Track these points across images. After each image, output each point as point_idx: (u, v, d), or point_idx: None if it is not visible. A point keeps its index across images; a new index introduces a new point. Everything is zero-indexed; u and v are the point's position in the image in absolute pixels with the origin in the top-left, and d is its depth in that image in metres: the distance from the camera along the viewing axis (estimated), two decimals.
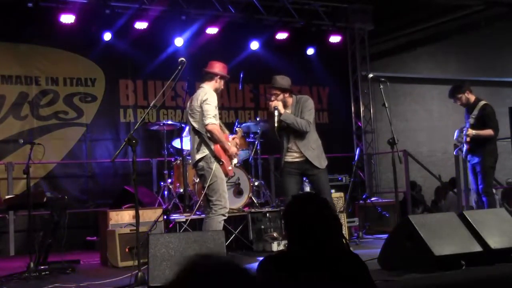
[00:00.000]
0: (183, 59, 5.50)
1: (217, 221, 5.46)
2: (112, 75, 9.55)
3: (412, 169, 10.45)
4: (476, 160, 7.02)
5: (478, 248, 4.80)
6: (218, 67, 5.84)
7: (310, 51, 10.82)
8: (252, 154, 7.81)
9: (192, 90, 9.65)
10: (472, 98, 7.14)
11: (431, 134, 13.65)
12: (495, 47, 13.92)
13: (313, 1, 10.50)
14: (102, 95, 9.46)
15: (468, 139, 6.98)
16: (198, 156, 5.61)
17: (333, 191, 7.78)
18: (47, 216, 6.29)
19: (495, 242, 4.88)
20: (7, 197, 6.27)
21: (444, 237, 4.77)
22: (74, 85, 9.28)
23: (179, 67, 5.44)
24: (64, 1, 8.88)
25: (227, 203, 5.60)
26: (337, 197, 7.61)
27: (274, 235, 6.92)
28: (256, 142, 7.85)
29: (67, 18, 8.76)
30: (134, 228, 5.15)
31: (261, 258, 2.52)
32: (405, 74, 13.43)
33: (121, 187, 8.52)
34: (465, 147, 7.05)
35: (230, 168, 5.71)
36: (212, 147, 5.56)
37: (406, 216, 4.98)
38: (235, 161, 5.96)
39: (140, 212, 5.14)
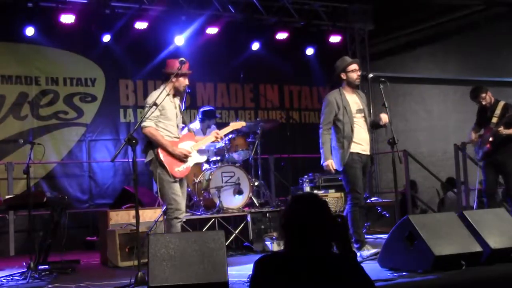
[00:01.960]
0: (183, 59, 5.52)
1: (172, 225, 5.38)
2: (112, 75, 9.55)
3: (412, 169, 10.45)
4: (498, 159, 6.98)
5: (478, 248, 4.80)
6: (170, 66, 5.67)
7: (310, 51, 10.83)
8: (252, 154, 7.81)
9: (192, 90, 9.73)
10: (492, 97, 7.18)
11: (431, 134, 13.64)
12: (495, 47, 13.90)
13: (313, 1, 10.50)
14: (102, 95, 9.46)
15: (491, 139, 6.96)
16: (146, 160, 5.55)
17: (333, 191, 7.80)
18: (47, 216, 6.29)
19: (495, 242, 4.88)
20: (7, 197, 6.26)
21: (444, 237, 4.77)
22: (74, 85, 9.29)
23: (179, 67, 5.46)
24: (64, 1, 8.89)
25: (180, 205, 5.45)
26: (337, 197, 7.62)
27: (274, 235, 6.92)
28: (256, 142, 7.84)
29: (67, 18, 8.77)
30: (134, 228, 5.16)
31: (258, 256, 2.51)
32: (405, 74, 13.43)
33: (121, 187, 8.53)
34: (484, 148, 7.04)
35: (178, 169, 5.52)
36: (155, 150, 5.45)
37: (406, 216, 4.97)
38: (196, 159, 5.75)
39: (140, 212, 5.14)
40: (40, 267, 5.79)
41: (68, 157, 9.13)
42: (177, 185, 5.51)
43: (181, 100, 5.93)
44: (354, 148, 5.85)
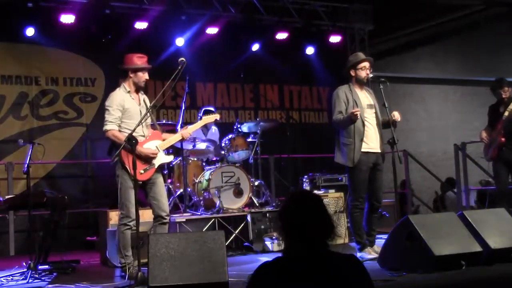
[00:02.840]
0: (183, 59, 5.44)
1: (119, 231, 5.24)
2: (112, 75, 9.52)
3: (412, 169, 10.45)
4: (510, 157, 6.91)
5: (478, 248, 4.80)
6: (126, 61, 5.50)
7: (310, 51, 10.82)
8: (252, 154, 7.81)
9: (192, 90, 9.72)
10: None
11: (431, 134, 13.66)
12: (495, 47, 13.92)
13: (313, 1, 10.50)
14: (102, 95, 9.43)
15: (502, 131, 6.88)
16: (111, 162, 5.36)
17: (333, 191, 7.79)
18: (47, 216, 6.29)
19: (495, 242, 4.88)
20: (7, 197, 6.27)
21: (444, 237, 4.77)
22: (74, 85, 9.29)
23: (179, 67, 5.39)
24: (64, 1, 8.87)
25: (130, 212, 5.21)
26: (337, 197, 7.61)
27: (274, 235, 6.92)
28: (256, 142, 7.84)
29: (67, 18, 8.75)
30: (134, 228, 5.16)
31: (260, 263, 2.49)
32: (405, 74, 13.44)
33: None
34: (497, 141, 6.93)
35: (141, 172, 5.30)
36: (119, 153, 5.20)
37: (406, 216, 4.97)
38: (162, 160, 5.51)
39: (140, 212, 5.14)
40: (40, 267, 5.79)
41: (68, 157, 9.12)
42: (133, 192, 5.16)
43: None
44: (363, 147, 5.72)
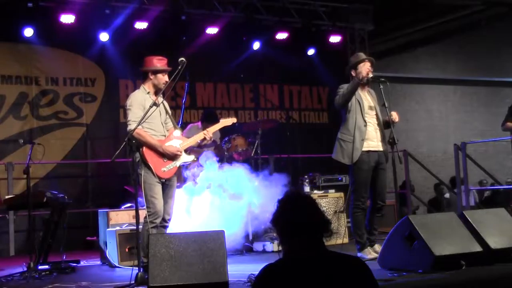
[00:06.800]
0: (183, 59, 5.43)
1: (144, 229, 5.16)
2: (112, 75, 9.54)
3: (412, 169, 10.45)
4: None
5: (478, 248, 4.81)
6: (146, 63, 5.52)
7: (310, 51, 10.81)
8: (252, 154, 7.80)
9: (192, 90, 9.71)
10: None
11: (431, 134, 13.66)
12: (495, 47, 13.93)
13: (313, 1, 10.49)
14: (102, 95, 9.46)
15: None
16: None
17: (333, 191, 7.79)
18: (47, 216, 6.28)
19: (495, 242, 4.88)
20: (7, 197, 6.27)
21: (444, 237, 4.77)
22: (74, 85, 9.29)
23: (179, 67, 5.40)
24: (64, 1, 8.87)
25: (157, 208, 5.16)
26: (337, 197, 7.61)
27: (274, 235, 6.92)
28: (256, 142, 7.83)
29: (67, 18, 8.75)
30: (134, 228, 5.16)
31: (264, 264, 2.47)
32: (405, 74, 13.45)
33: (121, 187, 8.52)
34: None
35: (164, 169, 5.27)
36: (140, 151, 5.18)
37: (406, 216, 4.97)
38: (184, 159, 5.46)
39: (140, 212, 5.13)
40: (40, 267, 5.78)
41: (68, 157, 9.12)
42: (158, 187, 5.22)
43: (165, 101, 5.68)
44: (364, 146, 5.70)
